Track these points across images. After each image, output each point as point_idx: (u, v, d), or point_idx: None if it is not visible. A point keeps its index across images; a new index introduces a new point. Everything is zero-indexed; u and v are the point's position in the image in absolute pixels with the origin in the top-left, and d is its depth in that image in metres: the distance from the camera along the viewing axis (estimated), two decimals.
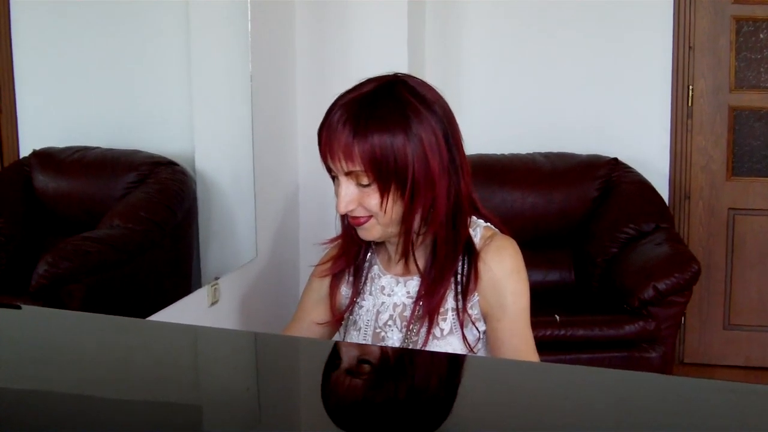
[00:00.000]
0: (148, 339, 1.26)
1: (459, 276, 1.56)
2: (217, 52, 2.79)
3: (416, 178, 1.46)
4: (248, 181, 2.84)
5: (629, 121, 3.71)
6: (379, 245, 1.64)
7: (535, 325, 3.08)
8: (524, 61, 3.77)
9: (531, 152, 3.62)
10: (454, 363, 1.26)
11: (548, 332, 2.91)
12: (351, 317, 1.65)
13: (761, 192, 3.72)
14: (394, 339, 1.60)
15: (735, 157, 3.74)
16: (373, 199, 1.48)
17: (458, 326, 1.56)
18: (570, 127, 3.72)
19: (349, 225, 1.57)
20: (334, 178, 1.52)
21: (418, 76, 1.56)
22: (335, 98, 1.50)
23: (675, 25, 3.64)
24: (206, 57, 2.71)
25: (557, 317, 2.96)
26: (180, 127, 2.64)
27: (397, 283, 1.61)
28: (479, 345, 1.58)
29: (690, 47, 3.65)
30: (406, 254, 1.56)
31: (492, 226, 1.62)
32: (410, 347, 1.56)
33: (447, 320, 1.56)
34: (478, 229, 1.59)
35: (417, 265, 1.57)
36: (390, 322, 1.60)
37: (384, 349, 1.43)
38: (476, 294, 1.56)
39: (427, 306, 1.55)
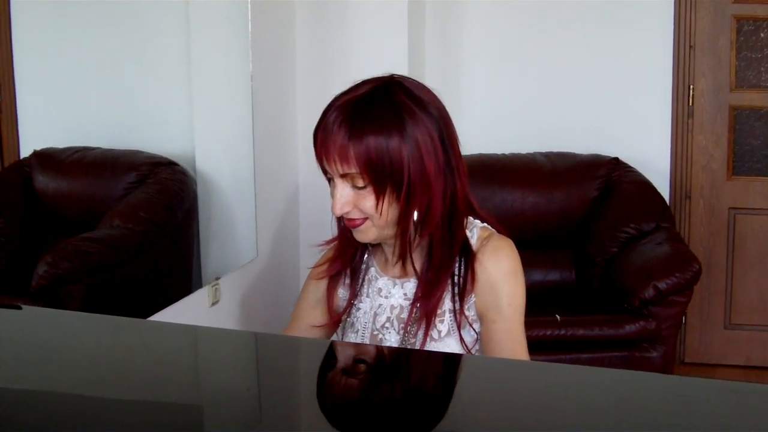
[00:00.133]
0: (149, 339, 1.26)
1: (456, 278, 1.56)
2: (217, 52, 2.79)
3: (412, 180, 1.46)
4: (248, 181, 2.84)
5: (630, 121, 3.71)
6: (375, 247, 1.64)
7: (535, 324, 3.07)
8: (524, 61, 3.76)
9: (531, 152, 3.62)
10: (455, 363, 1.26)
11: (549, 332, 2.91)
12: (348, 319, 1.65)
13: (762, 191, 3.72)
14: (391, 341, 1.59)
15: (735, 157, 3.74)
16: (368, 201, 1.47)
17: (455, 328, 1.56)
18: (570, 127, 3.72)
19: (345, 227, 1.57)
20: (329, 179, 1.52)
21: (417, 77, 1.56)
22: (331, 99, 1.50)
23: (675, 25, 3.64)
24: (206, 57, 2.71)
25: (558, 317, 2.95)
26: (180, 127, 2.64)
27: (394, 285, 1.61)
28: (476, 346, 1.58)
29: (690, 47, 3.65)
30: (402, 256, 1.56)
31: (489, 227, 1.61)
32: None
33: (444, 322, 1.56)
34: (475, 229, 1.59)
35: (414, 267, 1.56)
36: (387, 324, 1.60)
37: (386, 349, 1.43)
38: (473, 295, 1.56)
39: (424, 308, 1.55)
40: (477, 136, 3.62)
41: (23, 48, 2.09)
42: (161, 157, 2.46)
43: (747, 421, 0.96)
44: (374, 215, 1.48)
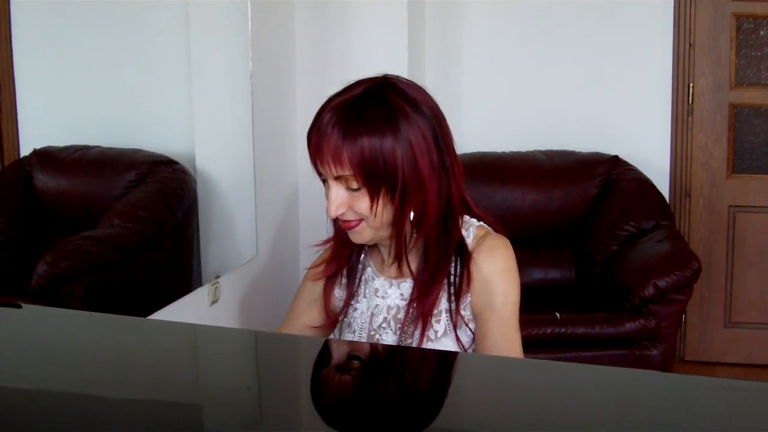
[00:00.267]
0: (149, 338, 1.26)
1: (452, 277, 1.56)
2: (217, 52, 2.79)
3: (406, 181, 1.45)
4: (248, 180, 2.84)
5: (630, 119, 3.71)
6: (372, 247, 1.64)
7: (535, 322, 3.07)
8: (524, 61, 3.76)
9: (531, 150, 3.62)
10: (455, 361, 1.26)
11: (549, 330, 2.91)
12: (345, 320, 1.65)
13: (762, 189, 3.72)
14: (388, 341, 1.59)
15: (735, 155, 3.74)
16: (363, 203, 1.47)
17: (452, 328, 1.56)
18: (570, 126, 3.72)
19: (341, 228, 1.57)
20: (324, 181, 1.52)
21: (417, 77, 1.56)
22: (325, 100, 1.50)
23: (675, 23, 3.64)
24: (206, 57, 2.71)
25: (558, 315, 2.96)
26: (180, 127, 2.63)
27: (391, 285, 1.61)
28: (473, 346, 1.58)
29: (690, 45, 3.65)
30: (398, 257, 1.56)
31: (485, 225, 1.61)
32: None
33: (441, 322, 1.56)
34: (471, 228, 1.59)
35: (410, 268, 1.56)
36: (384, 325, 1.60)
37: (385, 347, 1.43)
38: (468, 295, 1.55)
39: (421, 308, 1.55)
40: (477, 136, 3.63)
41: (23, 48, 2.09)
42: (161, 156, 2.46)
43: (747, 418, 0.96)
44: (369, 216, 1.48)
